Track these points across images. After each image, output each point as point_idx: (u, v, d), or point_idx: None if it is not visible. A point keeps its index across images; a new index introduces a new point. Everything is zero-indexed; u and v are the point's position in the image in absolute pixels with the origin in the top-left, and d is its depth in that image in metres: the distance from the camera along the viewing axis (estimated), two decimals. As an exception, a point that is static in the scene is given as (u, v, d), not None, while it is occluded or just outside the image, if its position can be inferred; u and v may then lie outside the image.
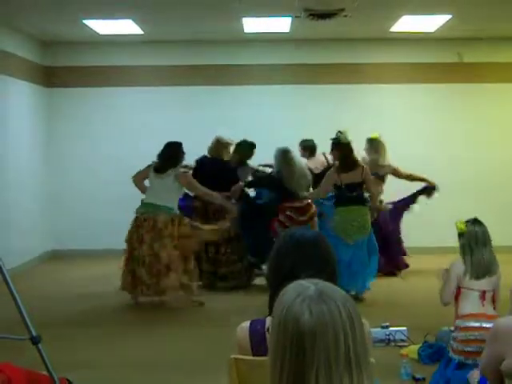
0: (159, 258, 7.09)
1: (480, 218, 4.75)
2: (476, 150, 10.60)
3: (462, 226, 4.67)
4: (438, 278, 4.83)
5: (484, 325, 4.47)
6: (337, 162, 7.53)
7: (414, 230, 9.33)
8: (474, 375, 4.28)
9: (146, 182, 7.55)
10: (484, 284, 4.61)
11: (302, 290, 1.53)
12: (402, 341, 5.69)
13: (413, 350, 5.38)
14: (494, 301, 4.69)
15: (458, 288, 4.68)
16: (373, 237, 7.49)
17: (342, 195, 7.37)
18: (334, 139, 7.53)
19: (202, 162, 8.31)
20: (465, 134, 10.64)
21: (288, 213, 7.81)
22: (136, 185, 7.58)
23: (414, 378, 4.81)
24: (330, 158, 8.46)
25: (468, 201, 10.28)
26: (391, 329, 5.76)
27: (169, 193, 7.25)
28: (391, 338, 5.69)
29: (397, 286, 8.09)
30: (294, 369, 1.47)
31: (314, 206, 7.90)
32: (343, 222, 7.30)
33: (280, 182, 7.77)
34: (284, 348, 1.48)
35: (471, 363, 4.46)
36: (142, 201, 7.38)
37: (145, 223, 7.16)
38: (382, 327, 5.75)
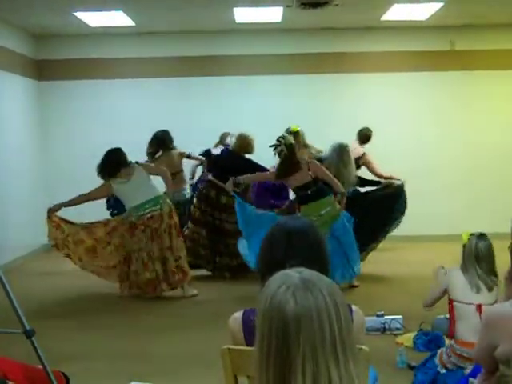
0: (172, 250, 7.13)
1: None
2: (469, 137, 10.60)
3: (466, 238, 4.52)
4: (434, 276, 4.74)
5: None
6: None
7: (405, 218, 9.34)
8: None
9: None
10: (481, 298, 4.38)
11: (287, 278, 1.53)
12: (398, 329, 5.71)
13: (408, 338, 5.40)
14: None
15: (451, 301, 4.53)
16: (342, 222, 7.23)
17: (299, 196, 7.18)
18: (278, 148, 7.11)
19: (221, 155, 8.39)
20: (457, 121, 10.65)
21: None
22: (95, 198, 7.52)
23: (410, 366, 4.81)
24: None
25: (457, 189, 10.35)
26: (386, 317, 5.77)
27: (147, 183, 7.21)
28: (387, 326, 5.70)
29: (392, 274, 8.10)
30: (280, 356, 1.47)
31: None
32: (310, 217, 6.96)
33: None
34: (270, 336, 1.49)
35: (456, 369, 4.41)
36: (131, 207, 7.18)
37: (151, 220, 7.09)
38: (378, 316, 5.76)
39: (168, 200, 7.27)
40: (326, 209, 7.10)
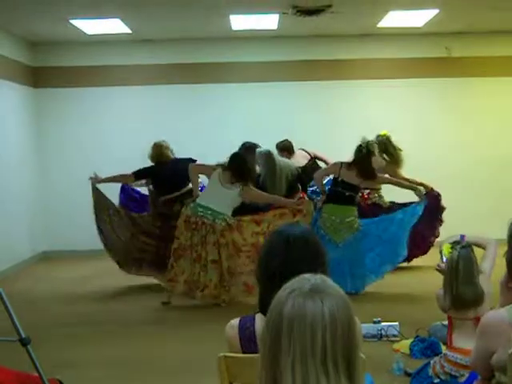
0: (223, 264, 6.98)
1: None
2: (464, 144, 10.62)
3: (447, 251, 4.24)
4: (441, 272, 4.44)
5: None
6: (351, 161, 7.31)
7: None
8: None
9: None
10: (475, 312, 4.19)
11: (297, 283, 1.56)
12: (394, 336, 5.69)
13: (405, 344, 5.39)
14: None
15: (449, 317, 4.40)
16: (368, 235, 7.31)
17: (336, 191, 7.25)
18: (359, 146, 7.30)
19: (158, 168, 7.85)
20: (453, 127, 10.67)
21: None
22: (191, 175, 7.30)
23: (406, 373, 4.80)
24: (310, 151, 8.47)
25: (458, 194, 10.32)
26: (383, 324, 5.75)
27: (231, 203, 7.05)
28: (383, 333, 5.69)
29: (388, 281, 8.09)
30: (272, 354, 1.50)
31: (305, 200, 7.58)
32: (330, 219, 7.21)
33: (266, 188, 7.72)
34: (266, 334, 1.54)
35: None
36: (197, 201, 7.06)
37: (203, 226, 6.96)
38: (374, 322, 5.76)
39: (231, 221, 7.02)
40: (353, 217, 7.28)
